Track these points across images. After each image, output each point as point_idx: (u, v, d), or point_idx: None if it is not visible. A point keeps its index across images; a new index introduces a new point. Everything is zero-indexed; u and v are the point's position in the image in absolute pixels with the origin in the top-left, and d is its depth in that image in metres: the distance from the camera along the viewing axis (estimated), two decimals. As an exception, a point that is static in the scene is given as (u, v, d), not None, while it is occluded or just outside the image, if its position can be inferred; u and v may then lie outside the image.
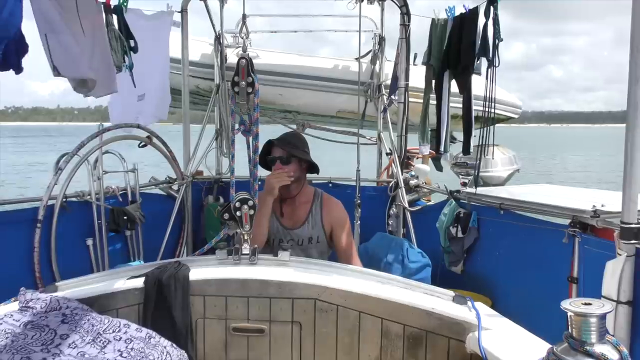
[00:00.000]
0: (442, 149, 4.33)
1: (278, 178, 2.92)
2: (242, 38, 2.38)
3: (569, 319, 1.34)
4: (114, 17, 3.63)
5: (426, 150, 4.61)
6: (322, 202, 3.16)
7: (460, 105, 4.22)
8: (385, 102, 5.32)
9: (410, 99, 4.85)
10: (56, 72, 2.68)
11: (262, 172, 3.06)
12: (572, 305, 1.33)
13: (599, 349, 1.29)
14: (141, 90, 4.38)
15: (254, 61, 2.37)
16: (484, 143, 3.78)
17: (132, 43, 3.63)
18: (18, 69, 2.83)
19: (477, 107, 4.10)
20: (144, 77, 4.41)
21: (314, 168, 3.19)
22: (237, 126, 2.44)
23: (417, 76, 5.03)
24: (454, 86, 4.25)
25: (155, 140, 4.27)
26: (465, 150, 4.21)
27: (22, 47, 2.74)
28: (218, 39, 5.43)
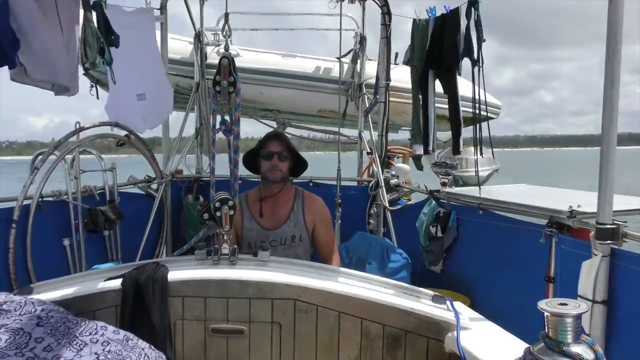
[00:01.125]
0: (430, 148, 4.36)
1: None
2: (225, 37, 2.34)
3: (545, 319, 1.35)
4: (93, 13, 3.57)
5: (420, 149, 4.63)
6: (304, 199, 3.14)
7: (443, 106, 4.25)
8: (367, 102, 5.32)
9: (391, 99, 4.87)
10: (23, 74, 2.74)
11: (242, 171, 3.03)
12: (548, 305, 1.34)
13: (575, 348, 1.31)
14: (140, 89, 4.30)
15: (235, 59, 2.34)
16: (477, 142, 3.83)
17: (112, 38, 3.58)
18: (13, 63, 2.82)
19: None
20: (140, 76, 4.33)
21: (296, 171, 3.19)
22: (217, 126, 2.41)
23: (398, 76, 5.05)
24: (439, 86, 4.29)
25: (133, 138, 4.22)
26: (455, 150, 4.24)
27: (15, 43, 2.74)
28: (198, 36, 5.39)
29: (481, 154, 3.96)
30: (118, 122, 4.11)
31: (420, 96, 4.45)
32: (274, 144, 3.04)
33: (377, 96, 4.88)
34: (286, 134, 3.39)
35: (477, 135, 3.88)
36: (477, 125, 3.88)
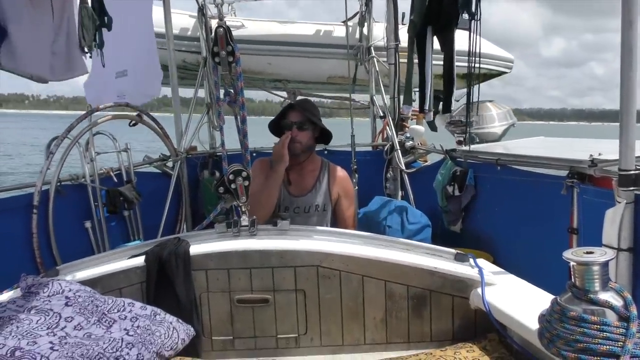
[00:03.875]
0: (426, 107, 4.21)
1: (282, 144, 2.91)
2: (218, 6, 2.29)
3: (571, 269, 1.33)
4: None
5: (408, 110, 4.55)
6: (330, 171, 3.16)
7: (461, 64, 4.13)
8: (377, 65, 5.21)
9: (402, 60, 4.78)
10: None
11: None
12: (574, 254, 1.32)
13: (602, 296, 1.29)
14: (121, 67, 4.28)
15: (239, 31, 2.31)
16: (472, 100, 3.75)
17: (105, 20, 3.55)
18: None
19: (464, 64, 4.04)
20: (124, 54, 4.30)
21: (323, 138, 3.17)
22: (222, 97, 2.39)
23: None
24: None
25: (145, 117, 4.21)
26: (446, 108, 4.11)
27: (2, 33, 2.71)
28: (202, 10, 5.32)
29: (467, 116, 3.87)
30: (128, 103, 4.11)
31: (416, 54, 4.30)
32: (293, 114, 3.02)
33: None
34: (311, 102, 3.34)
35: (471, 92, 3.78)
36: (471, 83, 3.78)
